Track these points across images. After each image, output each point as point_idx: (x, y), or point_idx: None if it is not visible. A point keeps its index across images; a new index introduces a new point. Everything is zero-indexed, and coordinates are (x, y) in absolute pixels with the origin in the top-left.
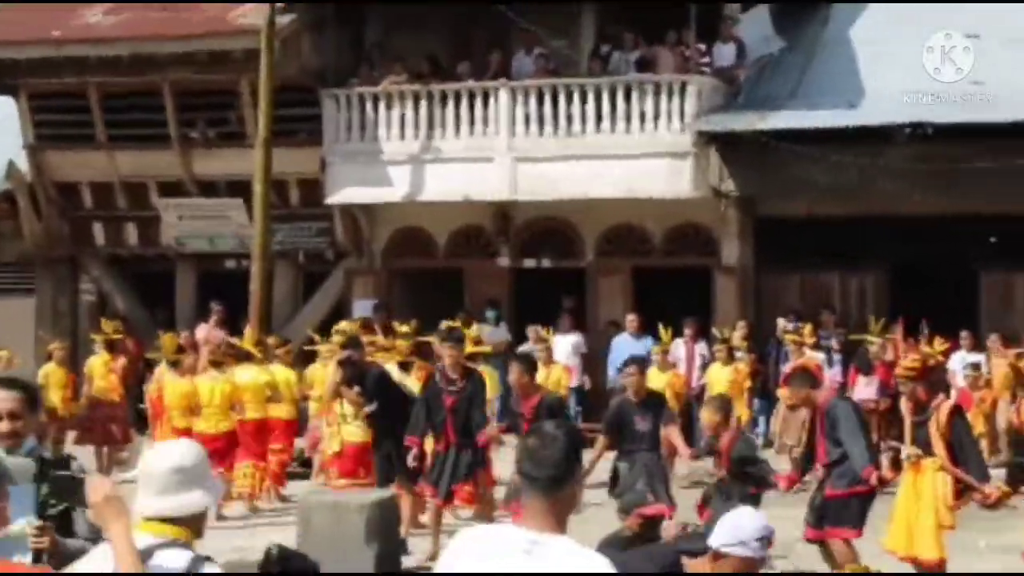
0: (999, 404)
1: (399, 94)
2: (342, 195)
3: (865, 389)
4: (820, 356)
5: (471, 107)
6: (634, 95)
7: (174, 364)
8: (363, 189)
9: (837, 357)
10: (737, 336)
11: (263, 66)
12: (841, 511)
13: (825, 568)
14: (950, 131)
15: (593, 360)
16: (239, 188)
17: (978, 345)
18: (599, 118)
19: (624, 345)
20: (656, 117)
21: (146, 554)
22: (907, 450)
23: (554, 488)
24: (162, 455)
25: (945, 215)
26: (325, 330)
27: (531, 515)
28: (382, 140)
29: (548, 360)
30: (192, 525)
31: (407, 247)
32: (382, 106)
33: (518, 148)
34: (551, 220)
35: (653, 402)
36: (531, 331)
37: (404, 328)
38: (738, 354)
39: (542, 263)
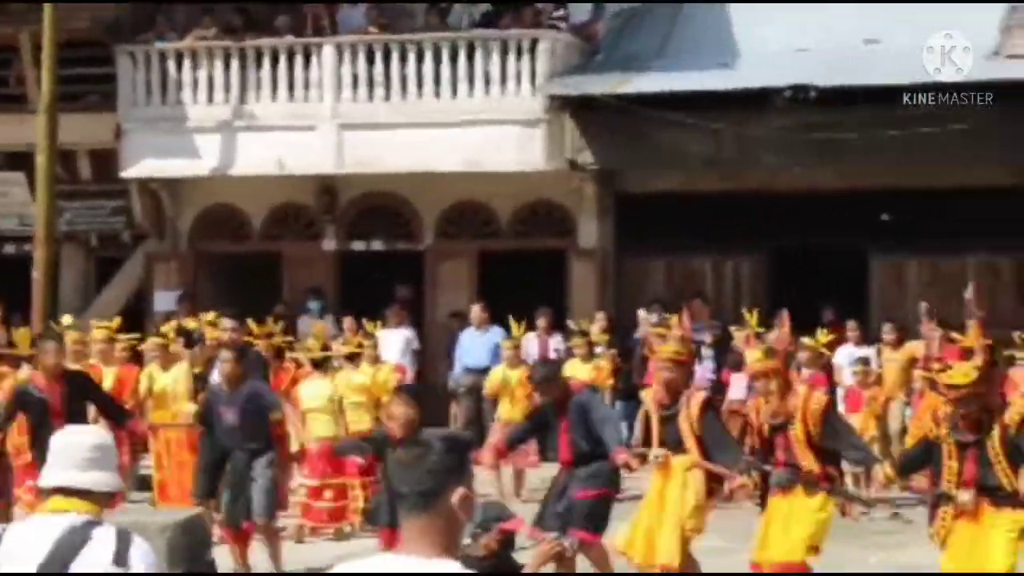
0: (892, 404)
1: (206, 51)
2: (140, 168)
3: (737, 389)
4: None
5: (290, 67)
6: (478, 54)
7: None
8: (165, 161)
9: (709, 352)
10: (596, 329)
11: (46, 17)
12: (585, 513)
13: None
14: (837, 95)
15: (432, 357)
16: (20, 160)
17: (868, 337)
18: (438, 80)
19: (469, 340)
20: (503, 79)
21: (81, 532)
22: (654, 451)
23: (427, 505)
24: (80, 432)
25: (831, 191)
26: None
27: (409, 538)
28: (187, 104)
29: (374, 358)
30: (101, 504)
31: (217, 228)
32: (187, 65)
33: (344, 114)
34: (383, 197)
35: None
36: (347, 324)
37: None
38: (598, 349)
39: (373, 246)
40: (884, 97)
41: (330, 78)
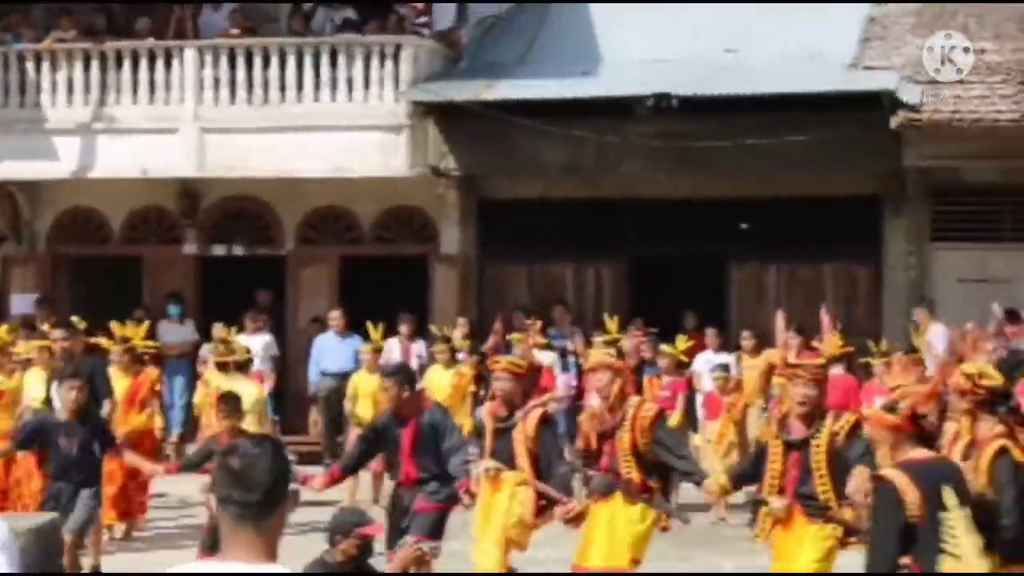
0: (750, 410)
1: (66, 53)
2: None
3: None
4: (550, 357)
5: (151, 69)
6: (341, 59)
7: None
8: (23, 163)
9: (573, 359)
10: (458, 335)
11: None
12: (427, 524)
13: None
14: (698, 104)
15: (294, 363)
16: None
17: (727, 344)
18: (301, 85)
19: (327, 345)
20: (366, 85)
21: None
22: (485, 463)
23: (266, 514)
24: None
25: (692, 199)
26: None
27: (239, 546)
28: (45, 106)
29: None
30: None
31: (76, 231)
32: (46, 66)
33: (206, 117)
34: (245, 201)
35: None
36: (216, 331)
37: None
38: (460, 355)
39: (234, 251)
40: (744, 106)
41: (192, 81)
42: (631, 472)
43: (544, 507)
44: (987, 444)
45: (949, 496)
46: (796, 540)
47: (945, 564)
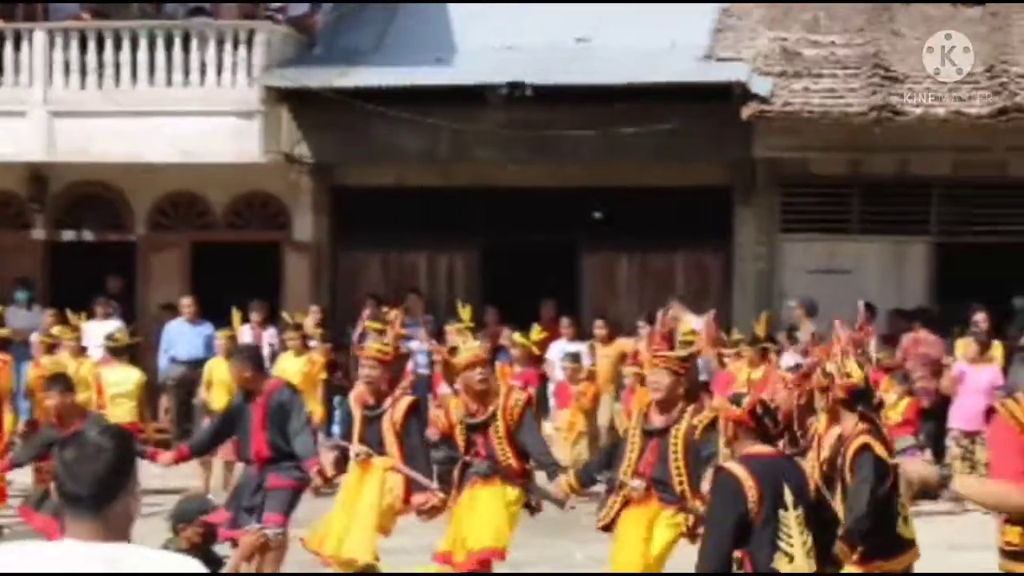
0: (602, 399)
1: None
2: None
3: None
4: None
5: None
6: (193, 43)
7: None
8: None
9: (426, 347)
10: (310, 322)
11: None
12: (281, 500)
13: None
14: (552, 93)
15: (145, 350)
16: None
17: (580, 333)
18: (152, 69)
19: (178, 332)
20: (219, 70)
21: None
22: (355, 448)
23: (102, 506)
24: None
25: (545, 188)
26: None
27: (78, 532)
28: None
29: (78, 352)
30: None
31: None
32: None
33: (55, 101)
34: (95, 186)
35: None
36: (47, 316)
37: None
38: (312, 343)
39: (84, 236)
40: (597, 96)
41: (41, 64)
42: (509, 459)
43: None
44: (851, 440)
45: (787, 494)
46: (647, 522)
47: (779, 562)
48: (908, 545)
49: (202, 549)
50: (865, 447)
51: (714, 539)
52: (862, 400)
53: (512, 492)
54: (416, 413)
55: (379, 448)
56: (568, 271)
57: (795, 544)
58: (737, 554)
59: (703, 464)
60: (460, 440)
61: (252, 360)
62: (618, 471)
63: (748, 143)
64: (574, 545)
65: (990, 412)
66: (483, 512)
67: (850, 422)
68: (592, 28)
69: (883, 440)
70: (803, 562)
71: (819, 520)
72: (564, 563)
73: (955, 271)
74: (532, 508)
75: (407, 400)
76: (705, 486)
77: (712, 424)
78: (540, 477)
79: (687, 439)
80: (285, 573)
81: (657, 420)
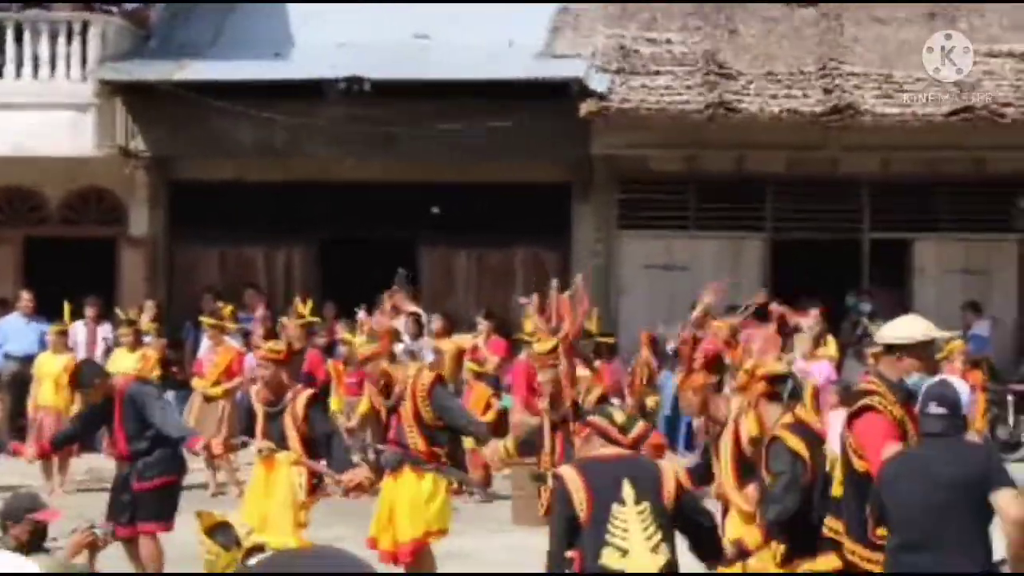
0: None
1: None
2: None
3: None
4: (238, 342)
5: None
6: (26, 35)
7: None
8: None
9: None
10: (146, 318)
11: None
12: (153, 504)
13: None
14: (390, 89)
15: None
16: None
17: (420, 328)
18: None
19: (12, 328)
20: (52, 62)
21: None
22: (259, 443)
23: None
24: None
25: (383, 183)
26: None
27: None
28: None
29: None
30: None
31: None
32: None
33: None
34: None
35: None
36: None
37: None
38: (147, 339)
39: None
40: (435, 92)
41: None
42: (416, 441)
43: (315, 486)
44: (768, 433)
45: (628, 492)
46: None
47: (607, 557)
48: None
49: (31, 547)
50: (775, 439)
51: (550, 541)
52: (784, 390)
53: (426, 482)
54: (316, 405)
55: (281, 444)
56: (407, 266)
57: (631, 539)
58: (571, 554)
59: None
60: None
61: (96, 374)
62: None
63: (586, 140)
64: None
65: (867, 409)
66: (405, 504)
67: (773, 414)
68: (431, 25)
69: (806, 427)
70: (644, 557)
71: (686, 515)
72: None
73: (789, 267)
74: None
75: (306, 394)
76: None
77: None
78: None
79: None
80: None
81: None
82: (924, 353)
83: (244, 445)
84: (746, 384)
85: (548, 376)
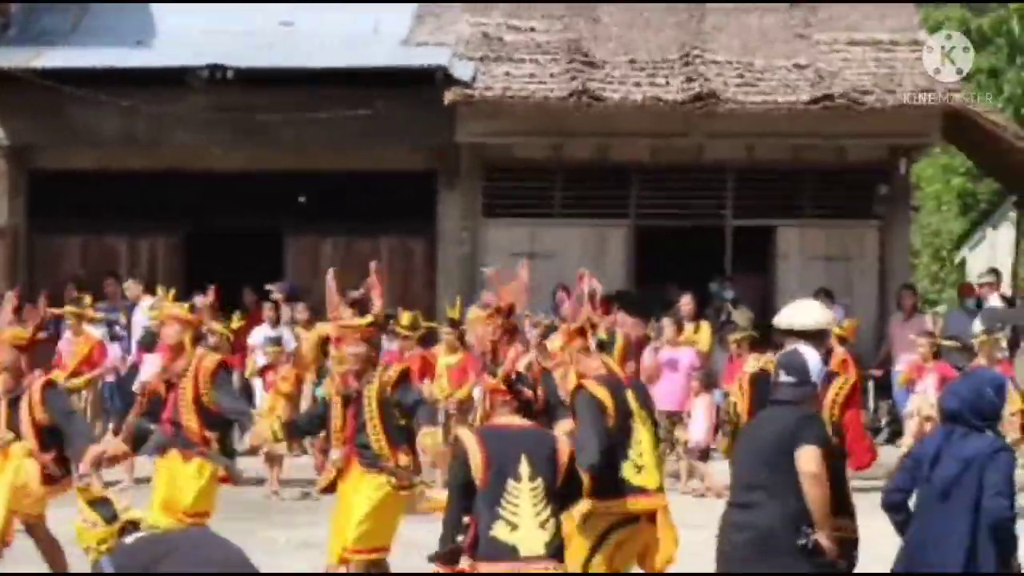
0: (304, 383)
1: None
2: None
3: (149, 369)
4: (101, 332)
5: None
6: None
7: None
8: None
9: (125, 333)
10: (8, 309)
11: None
12: None
13: None
14: (254, 76)
15: None
16: None
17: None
18: None
19: None
20: None
21: None
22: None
23: None
24: None
25: (249, 171)
26: None
27: None
28: None
29: None
30: None
31: None
32: None
33: None
34: None
35: None
36: None
37: None
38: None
39: None
40: (299, 79)
41: None
42: (191, 422)
43: (50, 476)
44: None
45: (524, 466)
46: (352, 489)
47: (498, 529)
48: (637, 491)
49: None
50: (579, 387)
51: (447, 504)
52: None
53: (192, 465)
54: (52, 389)
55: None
56: (273, 255)
57: (522, 514)
58: (466, 519)
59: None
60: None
61: None
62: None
63: (451, 128)
64: (276, 529)
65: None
66: (164, 487)
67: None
68: (295, 12)
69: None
70: (532, 534)
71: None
72: (267, 549)
73: (654, 254)
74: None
75: (41, 381)
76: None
77: (403, 378)
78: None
79: (380, 398)
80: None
81: (351, 385)
82: (821, 340)
83: None
84: (566, 342)
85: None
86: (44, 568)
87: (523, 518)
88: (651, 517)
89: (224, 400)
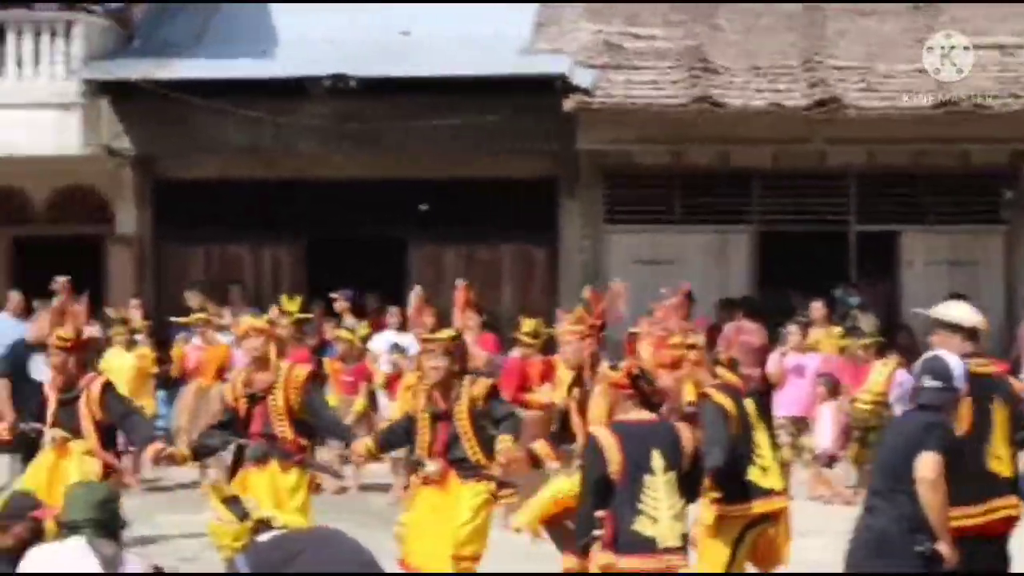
0: None
1: None
2: None
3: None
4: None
5: None
6: (10, 35)
7: None
8: None
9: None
10: (137, 316)
11: None
12: None
13: None
14: (376, 85)
15: None
16: None
17: (408, 324)
18: None
19: (2, 328)
20: (37, 62)
21: None
22: (49, 432)
23: None
24: None
25: (370, 180)
26: None
27: None
28: None
29: None
30: None
31: None
32: None
33: None
34: None
35: None
36: None
37: None
38: (138, 337)
39: None
40: (420, 88)
41: None
42: (286, 433)
43: (109, 473)
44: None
45: (656, 459)
46: (453, 499)
47: (639, 524)
48: (764, 493)
49: (31, 544)
50: (705, 395)
51: (581, 499)
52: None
53: (290, 477)
54: (112, 392)
55: (76, 432)
56: (395, 264)
57: (660, 507)
58: (601, 514)
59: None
60: (243, 412)
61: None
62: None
63: (571, 135)
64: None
65: None
66: (267, 500)
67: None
68: (415, 21)
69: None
70: (668, 525)
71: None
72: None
73: (776, 260)
74: (317, 486)
75: (102, 379)
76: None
77: (492, 392)
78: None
79: (471, 414)
80: None
81: (438, 402)
82: (974, 338)
83: (38, 433)
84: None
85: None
86: None
87: (661, 511)
88: (775, 517)
89: (321, 414)
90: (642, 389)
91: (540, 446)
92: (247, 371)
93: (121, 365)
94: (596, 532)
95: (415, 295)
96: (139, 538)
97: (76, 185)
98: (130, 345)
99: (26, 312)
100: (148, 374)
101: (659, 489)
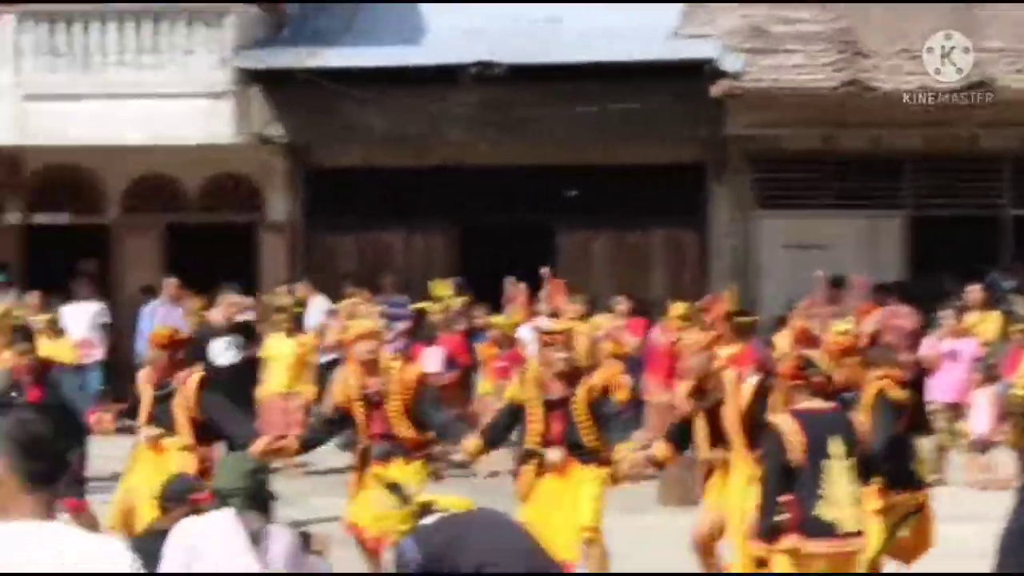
0: None
1: None
2: None
3: (430, 362)
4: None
5: None
6: (164, 25)
7: None
8: None
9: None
10: (288, 301)
11: None
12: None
13: None
14: (523, 72)
15: (121, 332)
16: None
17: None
18: (123, 51)
19: (156, 313)
20: (190, 51)
21: None
22: (146, 430)
23: (53, 478)
24: None
25: (517, 166)
26: None
27: (23, 508)
28: None
29: (53, 332)
30: None
31: None
32: None
33: (27, 84)
34: (68, 169)
35: None
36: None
37: None
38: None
39: (58, 219)
40: (568, 74)
41: (11, 47)
42: (407, 432)
43: (206, 469)
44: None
45: (835, 446)
46: (572, 485)
47: (821, 508)
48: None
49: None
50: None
51: (765, 485)
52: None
53: (411, 469)
54: (208, 387)
55: (170, 428)
56: (544, 250)
57: (840, 493)
58: (785, 498)
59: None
60: (359, 415)
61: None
62: (524, 442)
63: (720, 120)
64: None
65: None
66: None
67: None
68: (561, 7)
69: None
70: (849, 511)
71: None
72: None
73: (928, 245)
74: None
75: (196, 377)
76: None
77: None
78: None
79: (589, 401)
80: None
81: (557, 391)
82: None
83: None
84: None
85: (697, 362)
86: None
87: (841, 496)
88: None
89: (432, 416)
90: (810, 378)
91: (660, 449)
92: (358, 373)
93: (281, 352)
94: (779, 517)
95: (546, 279)
96: (293, 522)
97: (228, 173)
98: (292, 331)
99: (180, 298)
100: (309, 360)
101: (838, 475)
